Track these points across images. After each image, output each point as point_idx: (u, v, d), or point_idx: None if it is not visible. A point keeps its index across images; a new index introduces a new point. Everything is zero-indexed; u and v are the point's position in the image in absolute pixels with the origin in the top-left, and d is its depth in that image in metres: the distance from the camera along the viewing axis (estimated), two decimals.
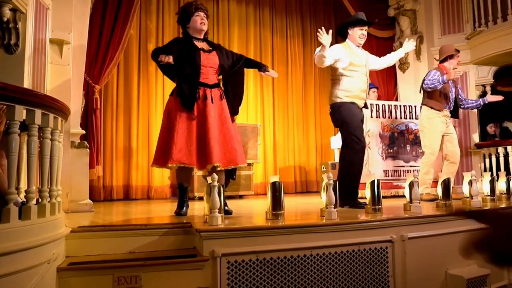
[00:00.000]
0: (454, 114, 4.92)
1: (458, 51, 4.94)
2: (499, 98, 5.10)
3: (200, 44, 3.42)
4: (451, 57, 4.85)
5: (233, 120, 3.47)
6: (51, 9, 3.97)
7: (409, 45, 4.23)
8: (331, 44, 3.71)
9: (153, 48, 3.47)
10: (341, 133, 3.97)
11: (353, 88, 3.88)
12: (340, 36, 4.15)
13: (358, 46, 4.00)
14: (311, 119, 7.83)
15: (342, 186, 3.34)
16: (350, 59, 3.88)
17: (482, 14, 6.25)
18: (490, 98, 5.12)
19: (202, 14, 3.44)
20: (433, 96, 4.76)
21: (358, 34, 3.95)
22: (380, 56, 4.33)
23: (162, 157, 3.24)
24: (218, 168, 3.20)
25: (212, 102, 3.30)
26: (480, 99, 5.13)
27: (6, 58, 3.45)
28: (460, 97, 5.07)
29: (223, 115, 3.34)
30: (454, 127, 5.12)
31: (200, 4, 3.50)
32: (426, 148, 4.78)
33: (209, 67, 3.36)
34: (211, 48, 3.46)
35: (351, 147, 3.83)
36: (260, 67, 3.63)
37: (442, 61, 4.90)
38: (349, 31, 4.00)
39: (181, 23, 3.50)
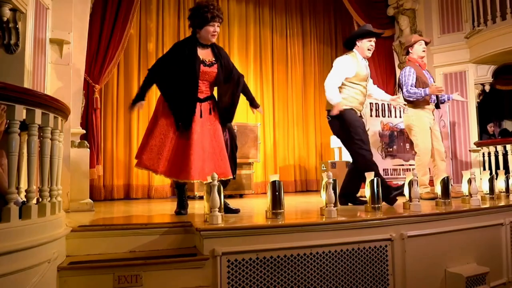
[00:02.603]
0: (435, 105, 4.81)
1: (426, 42, 4.86)
2: (463, 99, 4.99)
3: (203, 54, 3.29)
4: (411, 47, 4.82)
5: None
6: (51, 9, 3.97)
7: (393, 99, 4.30)
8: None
9: (153, 66, 3.38)
10: (347, 141, 3.87)
11: (353, 99, 3.89)
12: (346, 48, 4.14)
13: (364, 58, 4.01)
14: (311, 118, 7.84)
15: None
16: (357, 71, 3.89)
17: (481, 13, 6.26)
18: (456, 97, 4.99)
19: (216, 25, 3.27)
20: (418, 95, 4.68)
21: (367, 46, 3.94)
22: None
23: (138, 155, 3.28)
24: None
25: (201, 116, 3.24)
26: (448, 100, 5.00)
27: (6, 57, 3.45)
28: None
29: (214, 128, 3.28)
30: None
31: (217, 11, 3.26)
32: (418, 148, 4.63)
33: (205, 80, 3.29)
34: (213, 61, 3.31)
35: (359, 155, 3.77)
36: (252, 102, 3.55)
37: (407, 54, 4.90)
38: (357, 42, 3.98)
39: (192, 23, 3.30)
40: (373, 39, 3.98)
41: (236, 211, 3.37)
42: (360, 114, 4.01)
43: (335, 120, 3.86)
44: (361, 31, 4.05)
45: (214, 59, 3.33)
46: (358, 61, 3.96)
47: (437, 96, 4.78)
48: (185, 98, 3.21)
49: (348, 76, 3.88)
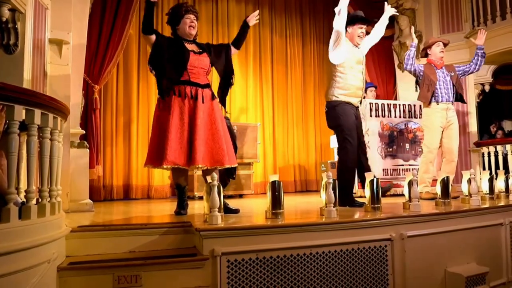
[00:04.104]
0: (459, 99, 4.83)
1: (444, 43, 4.89)
2: (483, 35, 4.82)
3: (190, 46, 3.39)
4: (429, 48, 4.87)
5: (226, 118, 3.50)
6: (50, 9, 3.97)
7: (389, 9, 4.24)
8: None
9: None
10: (336, 134, 4.00)
11: (349, 86, 3.87)
12: None
13: (356, 46, 3.98)
14: (310, 118, 7.84)
15: (339, 185, 3.34)
16: (347, 56, 3.86)
17: (481, 13, 6.26)
18: (479, 41, 4.82)
19: (192, 17, 3.39)
20: (421, 91, 4.75)
21: (357, 32, 3.93)
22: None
23: (156, 157, 3.23)
24: (202, 169, 3.27)
25: (203, 102, 3.29)
26: (478, 50, 4.82)
27: (5, 58, 3.45)
28: (463, 70, 4.89)
29: (213, 115, 3.33)
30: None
31: (190, 6, 3.46)
32: (424, 146, 4.80)
33: (200, 68, 3.35)
34: (201, 50, 3.43)
35: (343, 148, 3.84)
36: (244, 27, 3.62)
37: (426, 56, 4.96)
38: (348, 29, 3.96)
39: (170, 24, 3.48)
40: (364, 26, 3.96)
41: (236, 211, 3.38)
42: (358, 105, 3.98)
43: (328, 112, 3.93)
44: (352, 17, 4.00)
45: (201, 50, 3.44)
46: (349, 47, 3.92)
47: (455, 88, 4.73)
48: (170, 75, 3.25)
49: (340, 63, 3.84)
